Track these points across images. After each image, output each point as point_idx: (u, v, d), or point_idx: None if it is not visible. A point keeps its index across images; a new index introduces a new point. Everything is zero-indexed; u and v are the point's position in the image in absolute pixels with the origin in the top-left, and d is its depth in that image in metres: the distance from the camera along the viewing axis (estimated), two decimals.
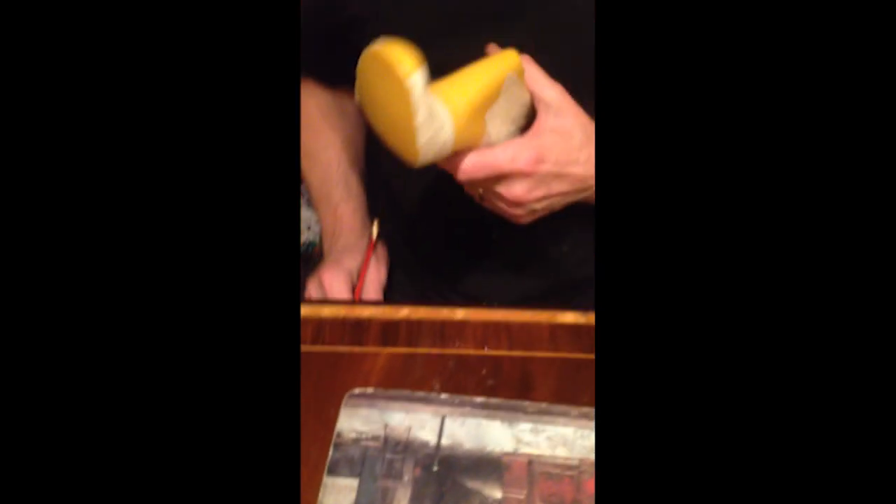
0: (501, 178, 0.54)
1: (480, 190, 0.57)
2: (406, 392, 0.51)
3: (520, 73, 0.55)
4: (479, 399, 0.51)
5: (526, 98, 0.56)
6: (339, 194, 0.76)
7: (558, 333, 0.56)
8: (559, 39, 0.60)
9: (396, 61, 0.48)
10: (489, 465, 0.47)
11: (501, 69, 0.54)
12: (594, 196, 0.58)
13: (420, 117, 0.49)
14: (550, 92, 0.55)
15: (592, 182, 0.57)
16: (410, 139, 0.50)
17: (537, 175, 0.54)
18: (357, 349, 0.55)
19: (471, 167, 0.53)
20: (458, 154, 0.53)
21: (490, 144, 0.55)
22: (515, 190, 0.55)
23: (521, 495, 0.46)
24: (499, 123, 0.55)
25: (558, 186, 0.56)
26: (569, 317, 0.57)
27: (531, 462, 0.47)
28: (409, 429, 0.49)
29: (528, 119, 0.57)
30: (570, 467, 0.47)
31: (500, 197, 0.56)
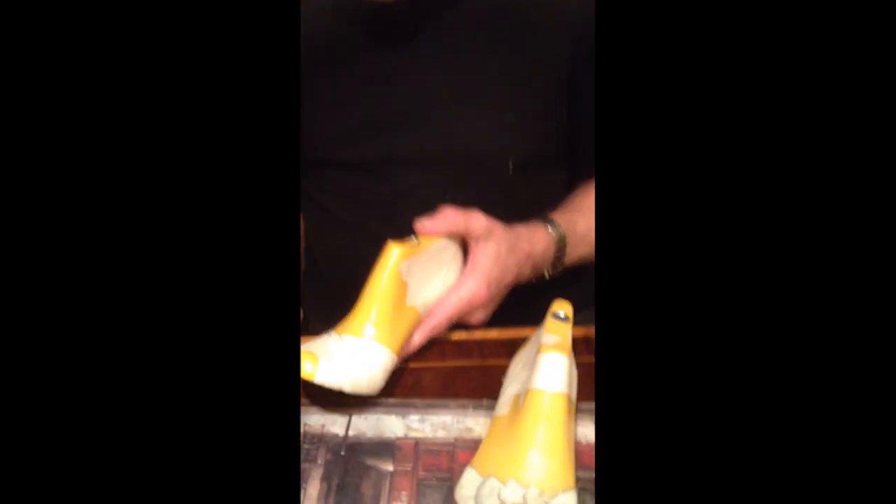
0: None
1: None
2: (321, 399, 0.64)
3: (406, 255, 0.62)
4: (380, 398, 0.64)
5: (432, 256, 0.65)
6: None
7: (446, 348, 0.70)
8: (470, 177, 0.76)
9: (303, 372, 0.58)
10: (385, 448, 0.60)
11: (387, 266, 0.62)
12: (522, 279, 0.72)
13: (347, 386, 0.59)
14: (475, 222, 0.66)
15: (522, 277, 0.70)
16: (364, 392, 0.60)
17: (490, 297, 0.67)
18: None
19: (439, 327, 0.65)
20: (419, 327, 0.64)
21: (431, 305, 0.65)
22: (478, 316, 0.68)
23: (408, 467, 0.59)
24: (426, 292, 0.65)
25: (500, 292, 0.69)
26: (454, 334, 0.71)
27: (417, 443, 0.61)
28: (323, 425, 0.62)
29: (452, 259, 0.68)
30: (447, 444, 0.60)
31: (467, 323, 0.69)
